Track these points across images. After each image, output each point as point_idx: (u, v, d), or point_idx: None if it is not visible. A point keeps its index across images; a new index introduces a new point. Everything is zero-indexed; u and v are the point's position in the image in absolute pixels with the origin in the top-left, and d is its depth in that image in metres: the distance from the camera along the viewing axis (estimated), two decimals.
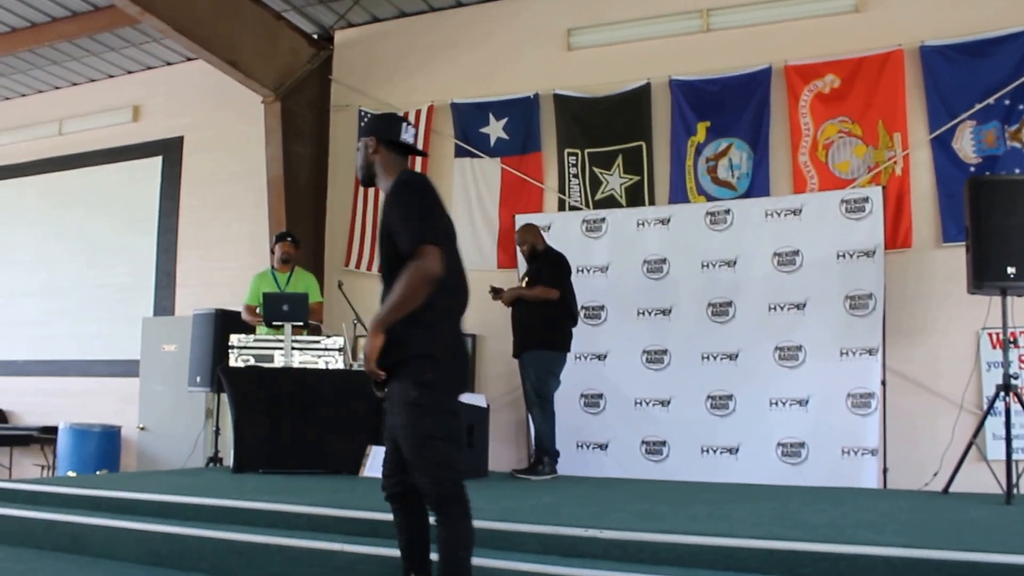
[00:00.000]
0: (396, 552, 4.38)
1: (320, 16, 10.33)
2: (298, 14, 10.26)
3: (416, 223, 3.45)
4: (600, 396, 8.50)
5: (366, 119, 3.81)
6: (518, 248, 8.26)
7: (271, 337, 7.85)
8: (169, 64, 11.76)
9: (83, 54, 11.67)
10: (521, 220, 8.80)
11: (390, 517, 4.75)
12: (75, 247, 12.22)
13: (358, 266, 9.99)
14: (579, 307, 8.06)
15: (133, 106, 12.04)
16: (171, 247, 11.51)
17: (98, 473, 9.29)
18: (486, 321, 8.82)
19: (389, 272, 3.53)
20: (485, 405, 7.99)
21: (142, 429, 10.38)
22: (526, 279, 8.01)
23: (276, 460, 7.49)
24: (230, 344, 7.82)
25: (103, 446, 10.00)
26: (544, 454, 7.65)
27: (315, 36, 10.54)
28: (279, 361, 7.73)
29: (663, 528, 4.37)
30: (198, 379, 9.10)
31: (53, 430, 10.50)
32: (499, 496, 6.06)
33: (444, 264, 3.42)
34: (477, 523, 4.32)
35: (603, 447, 8.40)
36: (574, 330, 7.94)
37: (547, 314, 7.72)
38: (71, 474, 9.35)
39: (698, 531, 4.29)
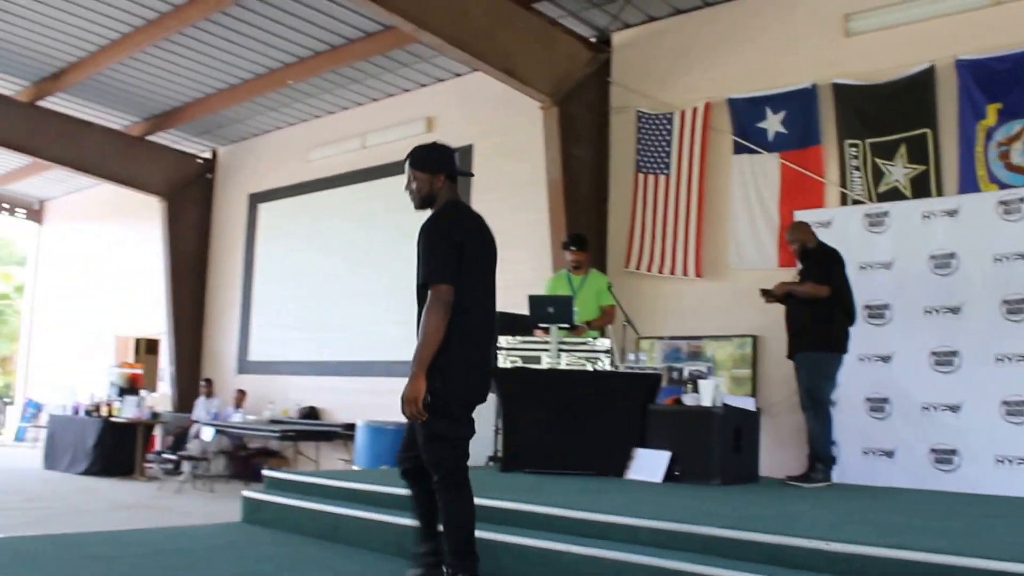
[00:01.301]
0: (617, 553, 4.55)
1: (595, 19, 10.57)
2: (574, 19, 10.55)
3: (431, 262, 4.19)
4: (885, 400, 8.17)
5: (416, 151, 4.33)
6: (790, 247, 8.10)
7: (538, 339, 8.13)
8: (458, 75, 12.43)
9: (379, 71, 12.57)
10: (800, 216, 8.64)
11: (615, 519, 4.94)
12: (377, 253, 13.14)
13: (638, 267, 10.12)
14: (860, 306, 7.84)
15: (427, 117, 12.82)
16: None
17: (382, 468, 9.94)
18: (765, 323, 8.71)
19: (417, 294, 4.27)
20: (754, 408, 7.91)
21: None
22: (799, 278, 7.86)
23: (543, 460, 7.74)
24: (499, 345, 8.17)
25: (396, 442, 10.65)
26: (817, 460, 7.48)
27: (592, 40, 10.77)
28: (546, 363, 8.00)
29: (896, 543, 4.18)
30: None
31: (354, 427, 11.36)
32: (749, 503, 6.03)
33: (458, 296, 4.16)
34: (708, 530, 4.46)
35: (889, 454, 8.07)
36: (855, 330, 7.71)
37: (820, 313, 7.55)
38: (354, 468, 10.08)
39: (932, 548, 4.07)
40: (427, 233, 4.25)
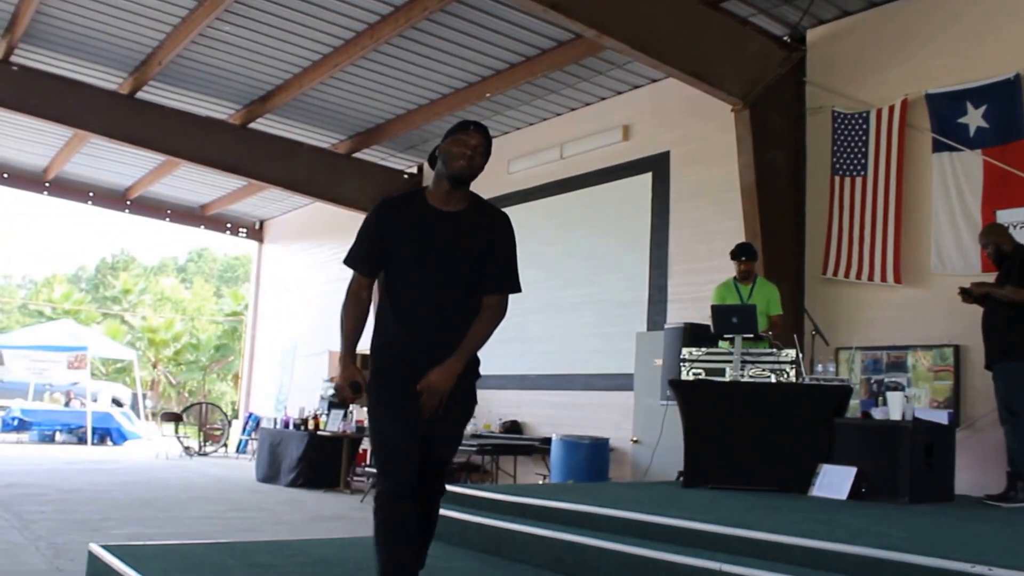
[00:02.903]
0: (766, 572, 4.64)
1: (787, 16, 10.58)
2: (765, 17, 10.59)
3: (516, 270, 4.33)
4: None
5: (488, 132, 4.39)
6: (984, 251, 7.94)
7: (722, 350, 8.26)
8: (654, 81, 12.63)
9: (575, 80, 12.94)
10: (1004, 216, 8.44)
11: (770, 537, 5.02)
12: (575, 264, 13.51)
13: (835, 273, 10.07)
14: None
15: (623, 125, 13.08)
16: (662, 262, 12.31)
17: (568, 483, 10.28)
18: (968, 331, 8.49)
19: (464, 287, 4.20)
20: (948, 422, 7.79)
21: (635, 442, 11.25)
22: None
23: (725, 476, 7.87)
24: (682, 357, 8.36)
25: (591, 457, 11.02)
26: (1018, 478, 7.32)
27: (785, 38, 10.78)
28: (730, 375, 8.12)
29: None
30: (668, 393, 9.71)
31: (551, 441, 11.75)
32: (926, 523, 5.97)
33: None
34: (861, 550, 4.60)
35: None
36: None
37: (1020, 319, 7.39)
38: (541, 482, 10.42)
39: None
40: (513, 238, 4.35)
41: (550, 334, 13.76)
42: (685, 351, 8.42)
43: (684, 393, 8.23)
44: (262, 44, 12.85)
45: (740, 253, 9.04)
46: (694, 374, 8.27)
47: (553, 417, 13.25)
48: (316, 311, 19.83)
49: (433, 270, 4.17)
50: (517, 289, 4.29)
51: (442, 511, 6.89)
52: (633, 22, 9.57)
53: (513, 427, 13.87)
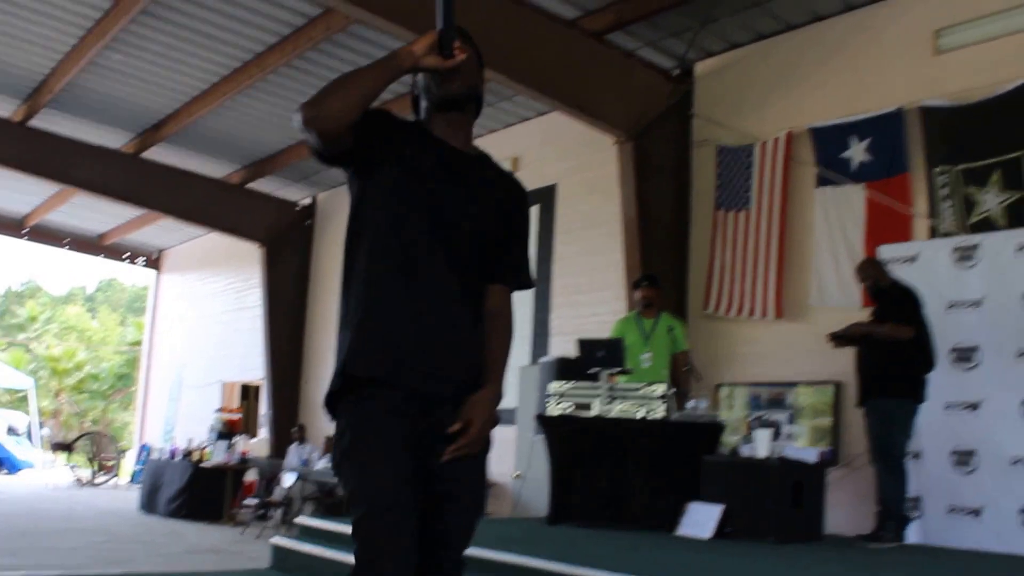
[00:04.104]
0: None
1: (675, 49, 10.05)
2: (652, 49, 10.06)
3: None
4: (972, 453, 7.34)
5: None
6: (861, 285, 7.43)
7: (590, 384, 7.60)
8: (542, 114, 12.06)
9: None
10: (885, 251, 7.95)
11: None
12: None
13: (716, 310, 9.51)
14: (947, 348, 7.25)
15: (513, 157, 12.43)
16: (545, 295, 11.68)
17: None
18: (849, 367, 7.90)
19: (476, 267, 2.64)
20: (816, 460, 7.20)
21: (518, 477, 10.57)
22: (872, 320, 7.16)
23: (591, 513, 7.25)
24: (548, 392, 7.72)
25: None
26: (887, 519, 6.74)
27: (675, 71, 10.26)
28: (597, 409, 7.46)
29: None
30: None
31: None
32: (783, 564, 5.54)
33: None
34: None
35: (976, 513, 7.23)
36: (940, 375, 7.03)
37: (897, 357, 6.83)
38: None
39: None
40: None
41: None
42: (553, 385, 7.76)
43: (550, 428, 7.61)
44: (151, 73, 12.12)
45: (643, 279, 8.38)
46: (562, 408, 7.60)
47: None
48: (211, 341, 19.03)
49: (443, 235, 2.58)
50: (532, 284, 2.83)
51: (298, 545, 6.30)
52: (514, 54, 8.91)
53: None
